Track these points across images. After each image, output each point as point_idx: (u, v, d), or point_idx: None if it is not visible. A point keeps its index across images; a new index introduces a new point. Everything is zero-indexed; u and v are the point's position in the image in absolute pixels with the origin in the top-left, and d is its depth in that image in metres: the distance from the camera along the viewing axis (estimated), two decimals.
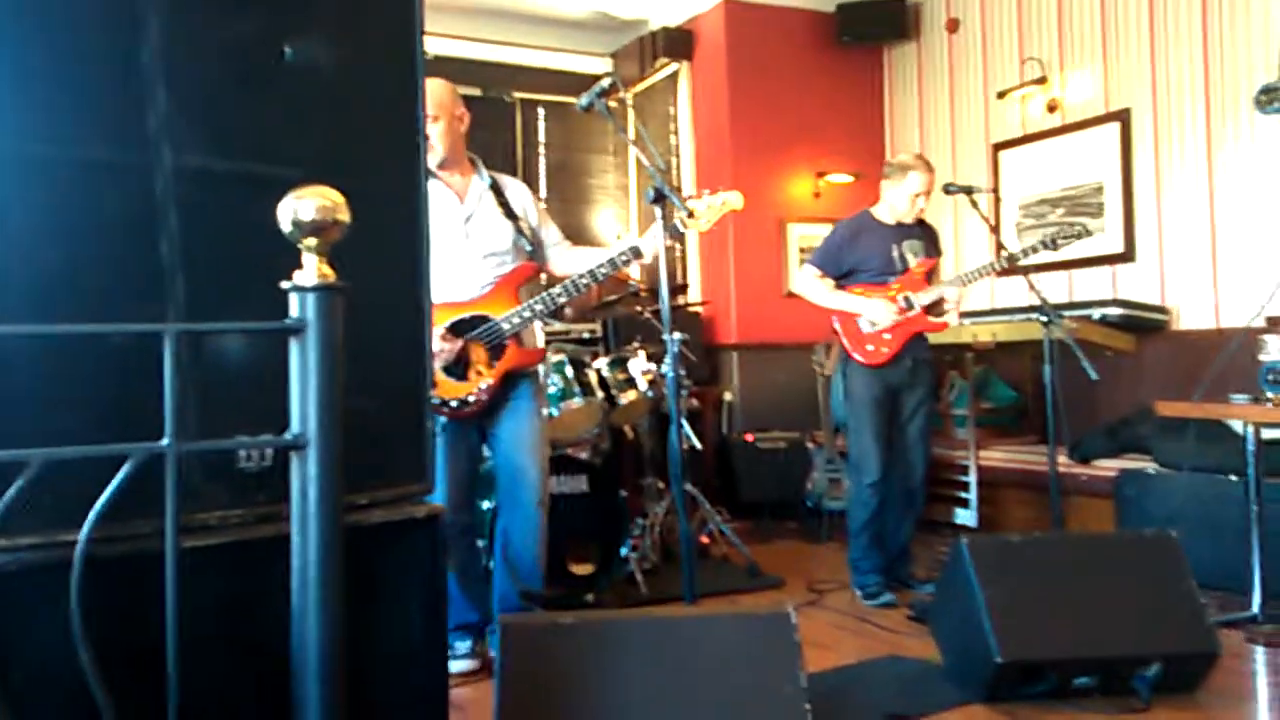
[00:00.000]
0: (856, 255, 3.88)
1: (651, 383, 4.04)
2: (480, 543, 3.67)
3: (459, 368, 3.03)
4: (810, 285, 3.93)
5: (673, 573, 4.00)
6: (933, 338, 3.99)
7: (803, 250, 6.12)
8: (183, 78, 1.26)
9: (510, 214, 3.19)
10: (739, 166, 6.09)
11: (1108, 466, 4.40)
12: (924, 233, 3.96)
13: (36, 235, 1.17)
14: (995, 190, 5.75)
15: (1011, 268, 3.81)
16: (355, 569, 1.21)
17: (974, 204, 3.74)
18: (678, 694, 2.04)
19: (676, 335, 2.88)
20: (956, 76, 6.07)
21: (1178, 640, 2.69)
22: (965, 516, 4.95)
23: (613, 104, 3.05)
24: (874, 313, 3.78)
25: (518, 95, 6.43)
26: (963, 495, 4.97)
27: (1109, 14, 5.20)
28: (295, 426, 1.15)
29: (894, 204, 3.88)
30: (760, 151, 6.14)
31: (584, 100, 2.93)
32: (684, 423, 4.08)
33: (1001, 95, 5.68)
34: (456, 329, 3.03)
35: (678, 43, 6.34)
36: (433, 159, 3.10)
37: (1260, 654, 3.14)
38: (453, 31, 6.04)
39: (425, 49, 1.55)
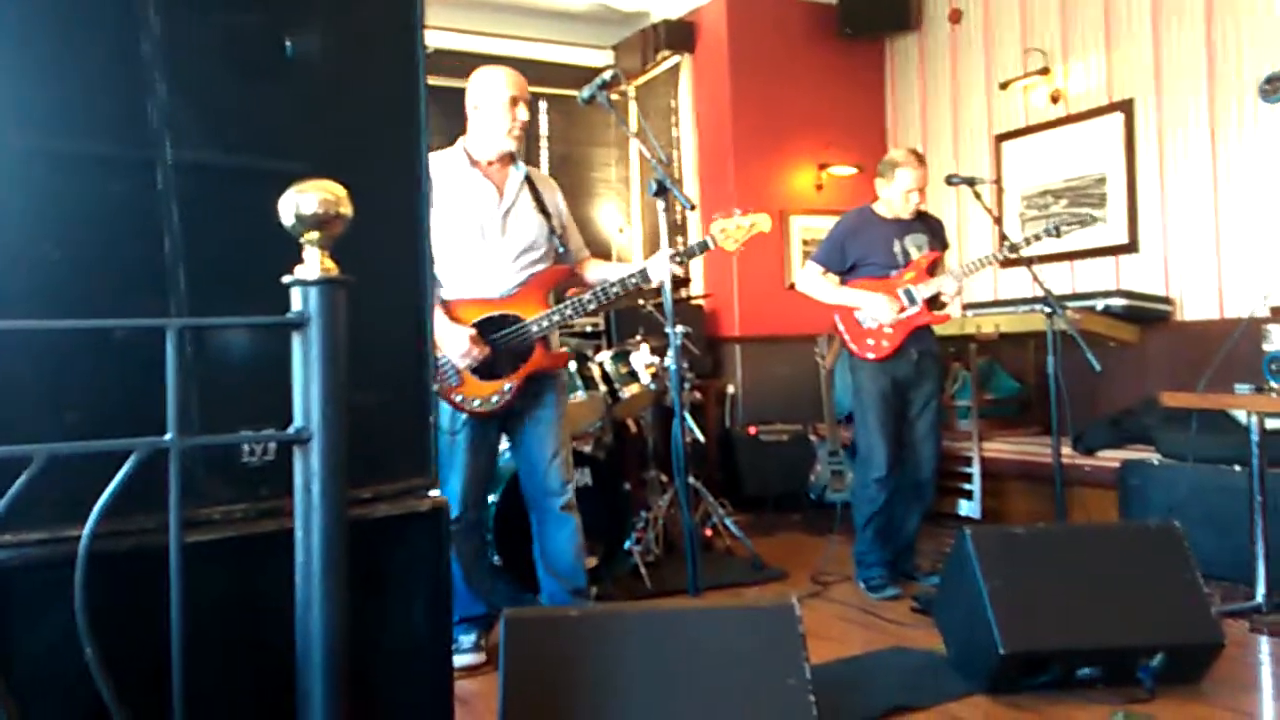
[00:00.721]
0: (859, 250, 3.87)
1: (654, 376, 4.04)
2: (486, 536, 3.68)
3: (484, 367, 3.01)
4: (813, 282, 3.93)
5: (676, 566, 4.01)
6: (936, 329, 3.98)
7: (805, 243, 6.12)
8: (184, 72, 1.26)
9: (543, 210, 3.16)
10: (741, 159, 6.08)
11: (1111, 457, 4.39)
12: (927, 226, 3.94)
13: (38, 230, 1.17)
14: (998, 181, 5.73)
15: (1015, 258, 3.80)
16: (359, 563, 1.21)
17: (976, 195, 3.73)
18: (682, 687, 2.04)
19: (679, 328, 2.88)
20: (959, 67, 6.05)
21: (1182, 631, 2.69)
22: (969, 508, 4.95)
23: (614, 97, 3.04)
24: (874, 309, 3.78)
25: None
26: (966, 487, 4.97)
27: (1112, 3, 5.17)
28: (298, 421, 1.15)
29: (889, 201, 3.88)
30: (762, 144, 6.13)
31: (586, 93, 2.92)
32: (687, 416, 4.07)
33: (1004, 86, 5.66)
34: (485, 328, 3.02)
35: (679, 35, 6.33)
36: (513, 144, 3.08)
37: (1264, 644, 3.14)
38: (454, 25, 6.04)
39: (426, 42, 1.54)
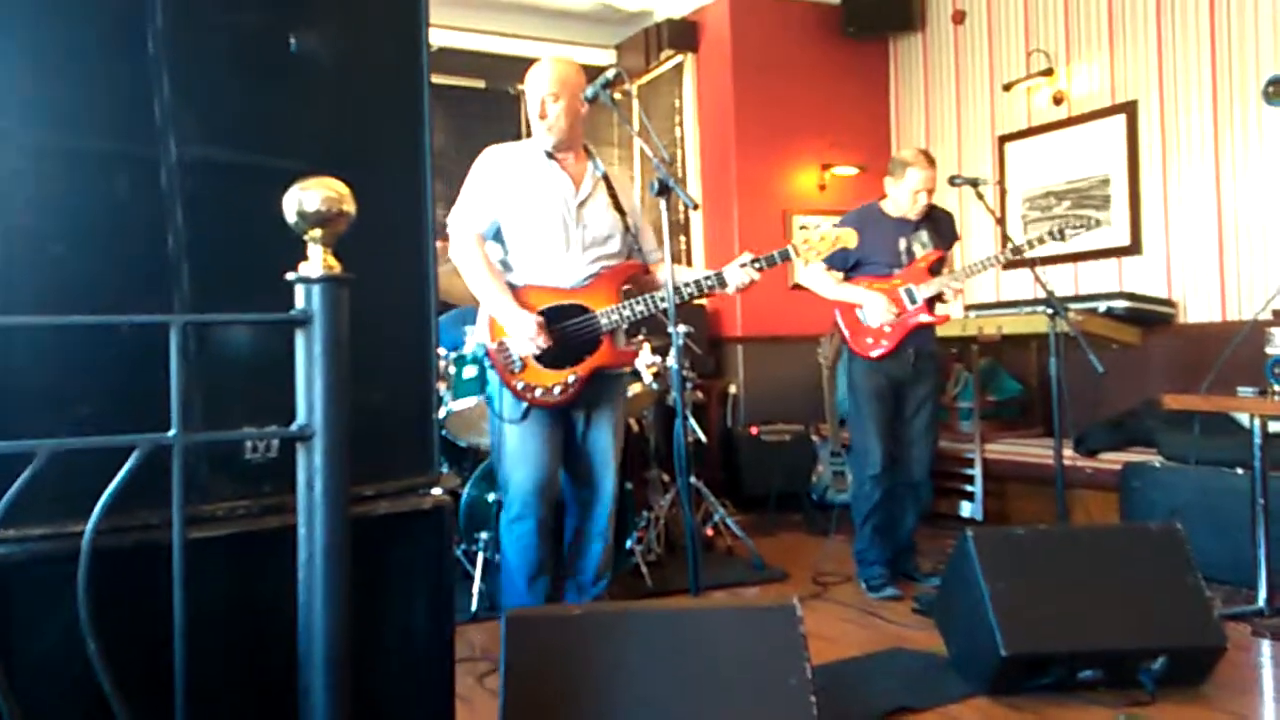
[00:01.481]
0: (863, 248, 3.86)
1: (656, 375, 4.04)
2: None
3: (548, 356, 2.99)
4: (816, 277, 3.92)
5: (677, 565, 4.01)
6: (938, 330, 3.97)
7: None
8: (188, 69, 1.26)
9: (619, 208, 3.15)
10: (744, 158, 6.08)
11: (1113, 459, 4.39)
12: (934, 223, 3.92)
13: (41, 227, 1.17)
14: (1001, 183, 5.73)
15: (1017, 260, 3.80)
16: (361, 560, 1.21)
17: (979, 196, 3.73)
18: (682, 686, 2.04)
19: (681, 328, 2.88)
20: (962, 68, 6.05)
21: (1183, 633, 2.68)
22: (970, 509, 4.94)
23: (617, 96, 3.03)
24: (871, 309, 3.77)
25: (522, 88, 6.41)
26: (968, 488, 4.97)
27: (1115, 5, 5.17)
28: (301, 418, 1.15)
29: (897, 199, 3.87)
30: (765, 143, 6.13)
31: (589, 92, 2.92)
32: (689, 415, 4.07)
33: (1007, 87, 5.66)
34: (552, 316, 3.00)
35: (683, 34, 6.33)
36: (551, 138, 3.07)
37: (1266, 647, 3.13)
38: (457, 23, 6.04)
39: (430, 40, 1.55)
